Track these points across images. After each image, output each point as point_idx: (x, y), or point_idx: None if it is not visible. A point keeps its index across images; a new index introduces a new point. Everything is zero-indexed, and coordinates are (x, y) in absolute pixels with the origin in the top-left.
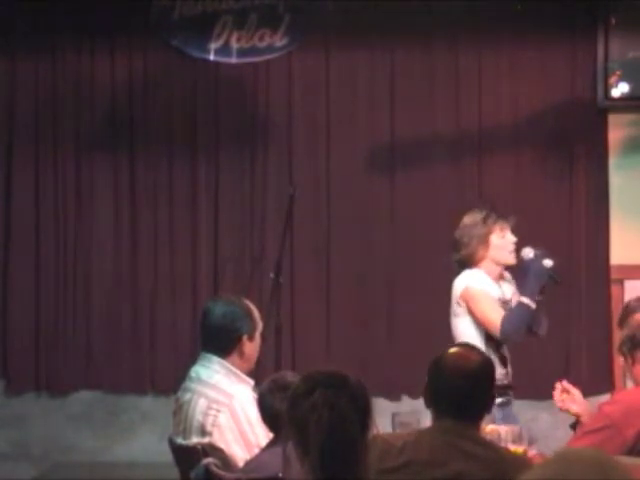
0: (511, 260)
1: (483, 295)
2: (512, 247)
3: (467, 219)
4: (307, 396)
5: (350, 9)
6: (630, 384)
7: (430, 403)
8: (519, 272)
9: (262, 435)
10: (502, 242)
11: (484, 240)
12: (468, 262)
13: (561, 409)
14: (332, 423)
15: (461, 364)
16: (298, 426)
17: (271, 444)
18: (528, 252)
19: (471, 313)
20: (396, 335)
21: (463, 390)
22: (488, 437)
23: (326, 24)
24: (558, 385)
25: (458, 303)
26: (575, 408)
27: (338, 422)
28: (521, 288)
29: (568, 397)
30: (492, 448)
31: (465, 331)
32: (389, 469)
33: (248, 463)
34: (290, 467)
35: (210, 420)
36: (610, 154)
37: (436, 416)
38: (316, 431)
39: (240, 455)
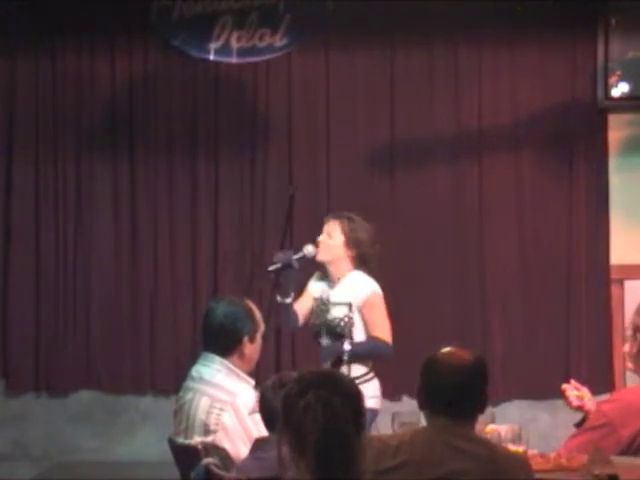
0: None
1: None
2: None
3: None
4: (301, 396)
5: (350, 9)
6: (630, 383)
7: (424, 403)
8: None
9: (266, 433)
10: None
11: None
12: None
13: (573, 406)
14: (327, 422)
15: (454, 362)
16: (293, 427)
17: (258, 445)
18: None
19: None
20: (396, 335)
21: (457, 388)
22: (488, 436)
23: (326, 24)
24: (568, 386)
25: None
26: (589, 404)
27: (333, 421)
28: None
29: (580, 394)
30: (488, 446)
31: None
32: (385, 469)
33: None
34: (285, 470)
35: (213, 419)
36: (610, 154)
37: (430, 415)
38: (311, 430)
39: (245, 453)
